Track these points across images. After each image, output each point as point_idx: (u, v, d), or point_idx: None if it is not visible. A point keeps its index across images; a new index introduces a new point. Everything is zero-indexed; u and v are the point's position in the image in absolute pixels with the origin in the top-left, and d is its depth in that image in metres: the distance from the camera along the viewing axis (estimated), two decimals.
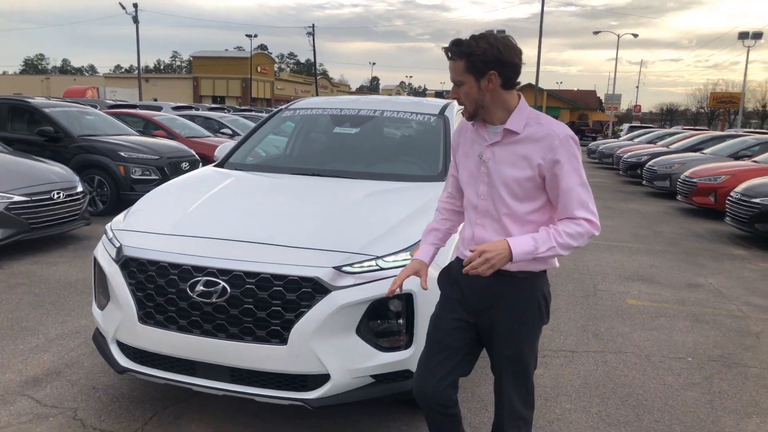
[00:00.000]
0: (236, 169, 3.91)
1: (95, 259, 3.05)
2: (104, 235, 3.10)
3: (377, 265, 2.62)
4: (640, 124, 35.17)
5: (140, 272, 2.73)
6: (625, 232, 8.76)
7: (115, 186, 8.18)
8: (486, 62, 1.91)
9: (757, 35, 36.02)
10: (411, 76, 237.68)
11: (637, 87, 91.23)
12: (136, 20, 42.87)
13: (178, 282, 2.63)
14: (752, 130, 23.95)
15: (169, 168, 8.57)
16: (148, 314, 2.71)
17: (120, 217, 3.20)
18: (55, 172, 6.56)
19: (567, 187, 1.94)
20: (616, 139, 28.21)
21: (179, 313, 2.65)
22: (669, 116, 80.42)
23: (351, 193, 3.31)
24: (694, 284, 6.03)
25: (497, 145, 2.01)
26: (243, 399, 2.71)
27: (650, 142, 20.24)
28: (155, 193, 3.43)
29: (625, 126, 33.66)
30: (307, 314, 2.52)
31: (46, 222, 6.11)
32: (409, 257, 2.58)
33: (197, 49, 75.98)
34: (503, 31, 2.03)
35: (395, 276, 2.29)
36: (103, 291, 3.03)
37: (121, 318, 2.78)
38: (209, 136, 11.75)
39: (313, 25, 51.74)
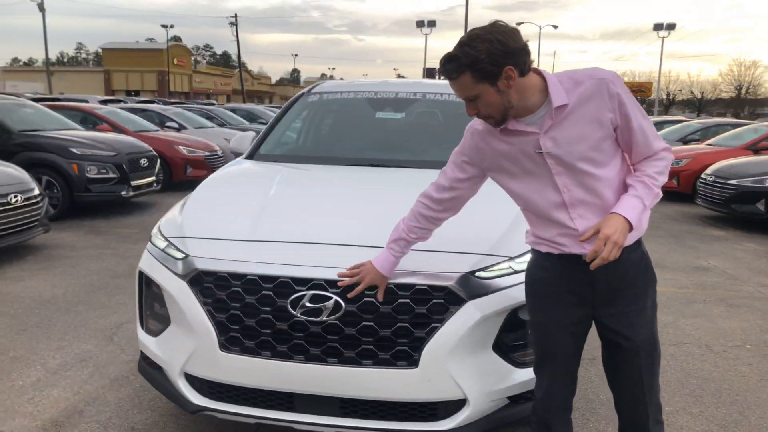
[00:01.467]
0: (274, 162, 3.40)
1: (142, 274, 2.49)
2: (152, 245, 2.54)
3: (511, 268, 2.26)
4: None
5: (219, 289, 2.22)
6: None
7: (67, 187, 7.29)
8: (496, 62, 1.63)
9: (671, 26, 38.14)
10: (333, 68, 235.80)
11: None
12: (42, 8, 39.61)
13: (274, 298, 2.15)
14: (677, 118, 25.13)
15: (128, 165, 7.74)
16: (232, 340, 2.21)
17: (171, 220, 2.63)
18: (6, 173, 5.68)
19: (638, 125, 1.78)
20: None
21: (276, 336, 2.17)
22: None
23: None
24: (700, 267, 6.05)
25: (553, 128, 1.74)
26: None
27: None
28: (203, 192, 2.87)
29: None
30: (442, 329, 2.11)
31: (4, 230, 5.26)
32: None
33: (103, 41, 71.77)
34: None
35: None
36: (154, 313, 2.49)
37: (194, 346, 2.26)
38: (157, 130, 10.83)
39: (236, 15, 49.94)
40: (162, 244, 2.47)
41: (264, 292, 2.16)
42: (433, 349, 2.11)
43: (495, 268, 2.23)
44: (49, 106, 10.14)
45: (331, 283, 2.13)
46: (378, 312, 2.11)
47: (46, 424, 2.77)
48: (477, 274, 2.19)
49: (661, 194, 1.85)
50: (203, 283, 2.25)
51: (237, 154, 3.70)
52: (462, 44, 1.65)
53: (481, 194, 2.73)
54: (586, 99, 1.73)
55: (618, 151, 1.83)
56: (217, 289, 2.22)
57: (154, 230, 2.62)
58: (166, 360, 2.37)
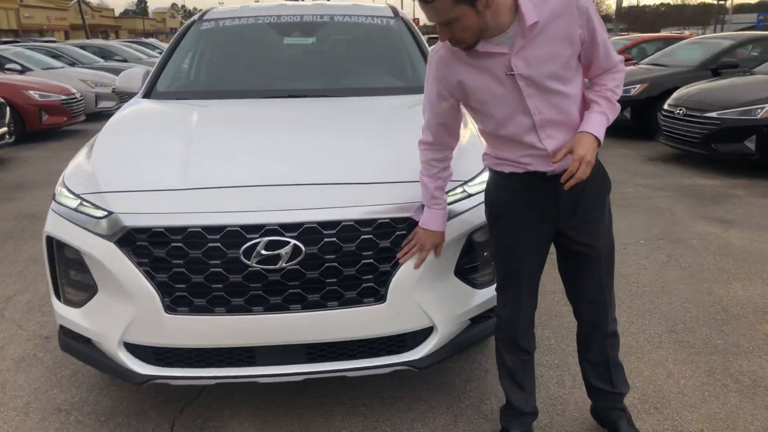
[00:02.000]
0: (178, 99, 3.04)
1: (52, 239, 2.15)
2: (58, 205, 2.18)
3: (465, 191, 2.22)
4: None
5: (156, 246, 1.97)
6: None
7: None
8: None
9: None
10: None
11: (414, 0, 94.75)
12: None
13: (224, 250, 1.95)
14: None
15: None
16: (178, 300, 2.00)
17: (77, 174, 2.26)
18: None
19: (602, 39, 1.75)
20: None
21: (230, 289, 1.99)
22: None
23: (368, 113, 2.76)
24: None
25: (524, 48, 1.69)
26: None
27: None
28: (110, 139, 2.49)
29: None
30: (408, 261, 2.05)
31: None
32: None
33: None
34: None
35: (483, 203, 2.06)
36: (72, 281, 2.18)
37: (133, 312, 2.01)
38: None
39: None
40: (73, 202, 2.13)
41: (210, 244, 1.95)
42: (399, 281, 2.05)
43: (451, 193, 2.17)
44: None
45: (287, 227, 1.96)
46: (341, 251, 1.99)
47: None
48: None
49: (619, 107, 1.86)
50: (136, 242, 1.98)
51: (128, 94, 3.26)
52: None
53: (400, 124, 2.63)
54: (557, 15, 1.67)
55: (580, 66, 1.80)
56: (154, 247, 1.97)
57: (58, 188, 2.25)
58: (99, 332, 2.11)
